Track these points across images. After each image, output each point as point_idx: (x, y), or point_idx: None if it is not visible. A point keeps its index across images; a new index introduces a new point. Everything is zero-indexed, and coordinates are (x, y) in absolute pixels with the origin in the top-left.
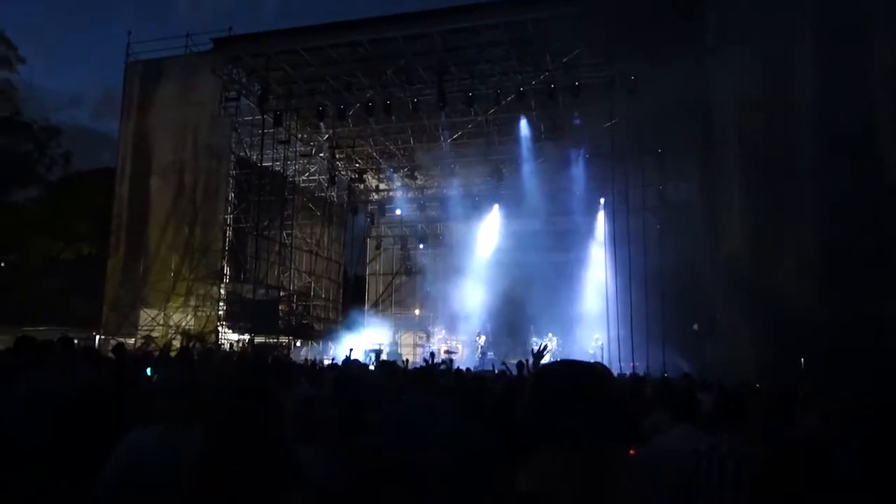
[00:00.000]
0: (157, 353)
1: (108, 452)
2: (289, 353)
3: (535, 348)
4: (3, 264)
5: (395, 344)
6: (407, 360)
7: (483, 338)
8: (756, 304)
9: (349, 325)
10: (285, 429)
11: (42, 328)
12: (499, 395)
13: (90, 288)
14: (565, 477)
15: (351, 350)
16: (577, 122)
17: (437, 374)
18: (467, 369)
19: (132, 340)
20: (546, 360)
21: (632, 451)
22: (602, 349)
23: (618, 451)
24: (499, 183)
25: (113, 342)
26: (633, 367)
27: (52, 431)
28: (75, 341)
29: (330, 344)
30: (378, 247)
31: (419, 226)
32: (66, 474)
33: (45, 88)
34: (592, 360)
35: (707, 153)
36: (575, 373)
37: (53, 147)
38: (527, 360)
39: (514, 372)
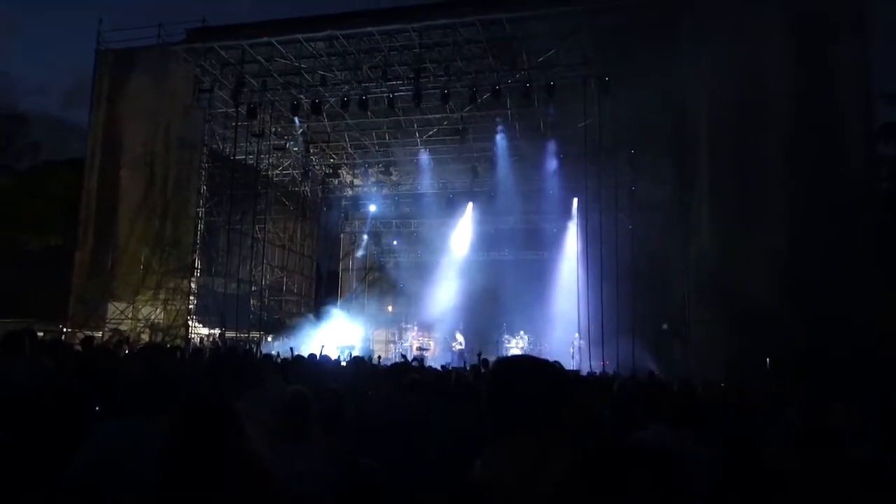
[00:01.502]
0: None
1: (75, 445)
2: (258, 349)
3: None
4: None
5: (367, 340)
6: (380, 357)
7: (461, 336)
8: (724, 303)
9: (321, 321)
10: (243, 429)
11: (7, 320)
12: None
13: (57, 280)
14: (515, 465)
15: (322, 346)
16: (552, 121)
17: (409, 370)
18: (442, 366)
19: (100, 334)
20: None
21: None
22: (580, 349)
23: (569, 442)
24: (473, 181)
25: (80, 335)
26: (604, 365)
27: (17, 423)
28: (40, 334)
29: (302, 339)
30: (352, 243)
31: (393, 222)
32: (33, 466)
33: (12, 75)
34: (568, 359)
35: (679, 153)
36: (529, 367)
37: (21, 136)
38: (493, 359)
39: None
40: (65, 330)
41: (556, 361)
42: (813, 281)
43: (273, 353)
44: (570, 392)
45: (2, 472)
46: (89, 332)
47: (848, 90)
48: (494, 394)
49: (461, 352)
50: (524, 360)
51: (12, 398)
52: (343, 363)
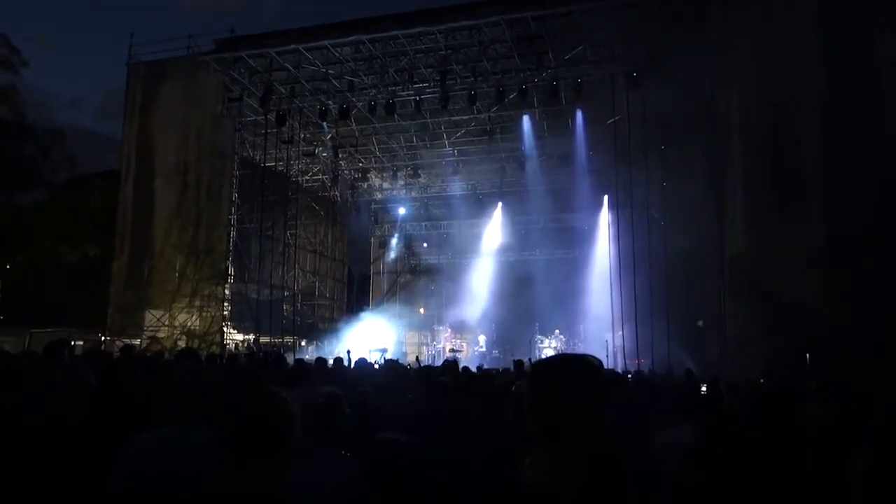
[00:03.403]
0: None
1: (116, 455)
2: (294, 354)
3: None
4: (8, 267)
5: (400, 343)
6: (417, 358)
7: (483, 338)
8: (761, 300)
9: (353, 325)
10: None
11: (49, 330)
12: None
13: (95, 290)
14: (565, 470)
15: (349, 351)
16: (580, 118)
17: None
18: (478, 367)
19: (138, 341)
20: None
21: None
22: (615, 349)
23: (615, 448)
24: (502, 181)
25: (119, 343)
26: (639, 364)
27: (61, 431)
28: (80, 343)
29: (335, 343)
30: (382, 246)
31: (423, 224)
32: (76, 475)
33: (46, 90)
34: (603, 358)
35: (711, 148)
36: (568, 371)
37: (57, 150)
38: (529, 359)
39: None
40: (104, 338)
41: (594, 357)
42: (854, 272)
43: (307, 357)
44: (611, 395)
45: (44, 479)
46: (128, 341)
47: (886, 77)
48: (539, 397)
49: (483, 354)
50: (568, 362)
51: (54, 406)
52: (377, 366)
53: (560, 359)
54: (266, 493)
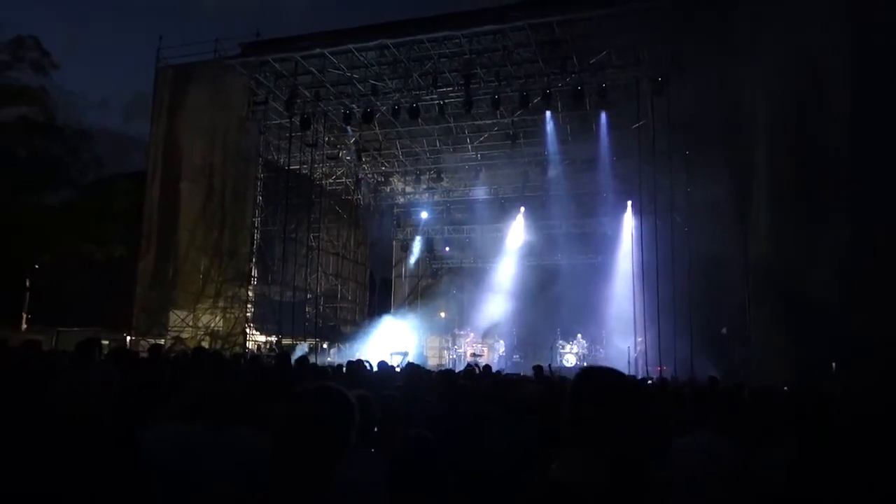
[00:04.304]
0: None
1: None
2: (316, 356)
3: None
4: (37, 266)
5: (421, 347)
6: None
7: (502, 342)
8: (786, 304)
9: (375, 328)
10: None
11: (76, 329)
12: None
13: (121, 290)
14: (593, 471)
15: (361, 359)
16: (604, 123)
17: (464, 376)
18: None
19: (162, 341)
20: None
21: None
22: (637, 355)
23: (643, 451)
24: (525, 185)
25: (144, 343)
26: (661, 371)
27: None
28: (105, 342)
29: (357, 346)
30: (404, 249)
31: (445, 228)
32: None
33: (74, 91)
34: (624, 364)
35: (736, 152)
36: (613, 381)
37: (85, 151)
38: (549, 365)
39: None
40: (129, 338)
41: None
42: (882, 276)
43: (329, 360)
44: (643, 406)
45: (77, 477)
46: (153, 340)
47: None
48: (579, 403)
49: (503, 358)
50: (605, 375)
51: (87, 401)
52: (398, 369)
53: (602, 371)
54: (315, 489)
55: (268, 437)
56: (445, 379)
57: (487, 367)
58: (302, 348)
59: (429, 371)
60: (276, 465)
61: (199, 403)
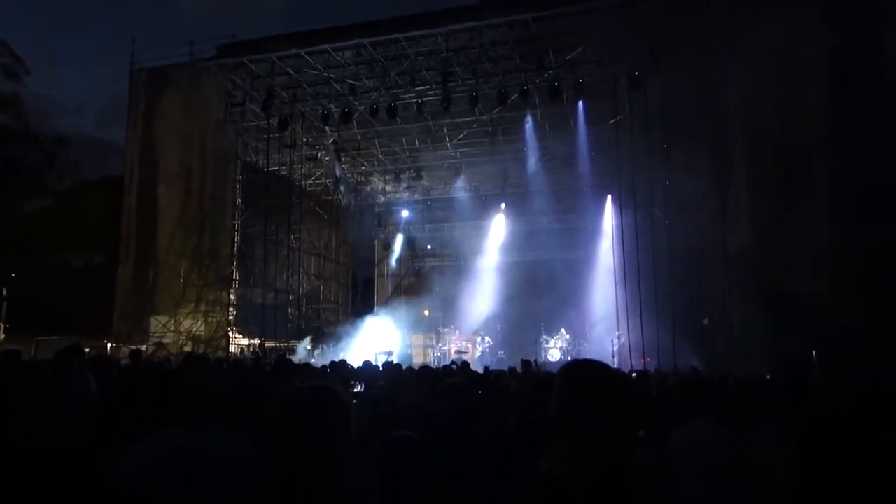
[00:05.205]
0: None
1: (126, 455)
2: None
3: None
4: (14, 274)
5: (405, 346)
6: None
7: (487, 339)
8: (766, 295)
9: (359, 328)
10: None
11: (55, 337)
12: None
13: (100, 296)
14: (582, 461)
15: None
16: (582, 118)
17: (448, 372)
18: (485, 368)
19: (143, 347)
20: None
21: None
22: (620, 348)
23: (631, 442)
24: (505, 182)
25: (125, 350)
26: (645, 363)
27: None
28: (86, 349)
29: (341, 347)
30: (385, 248)
31: (426, 227)
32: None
33: (48, 96)
34: (610, 357)
35: (715, 144)
36: (599, 373)
37: (62, 157)
38: (535, 361)
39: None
40: (109, 345)
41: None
42: (860, 268)
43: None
44: (631, 396)
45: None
46: (134, 347)
47: (892, 74)
48: (566, 396)
49: (488, 354)
50: (594, 367)
51: (62, 412)
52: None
53: (587, 363)
54: (315, 489)
55: (257, 441)
56: (425, 376)
57: (465, 363)
58: (303, 346)
59: (411, 368)
60: (271, 468)
61: (187, 408)
